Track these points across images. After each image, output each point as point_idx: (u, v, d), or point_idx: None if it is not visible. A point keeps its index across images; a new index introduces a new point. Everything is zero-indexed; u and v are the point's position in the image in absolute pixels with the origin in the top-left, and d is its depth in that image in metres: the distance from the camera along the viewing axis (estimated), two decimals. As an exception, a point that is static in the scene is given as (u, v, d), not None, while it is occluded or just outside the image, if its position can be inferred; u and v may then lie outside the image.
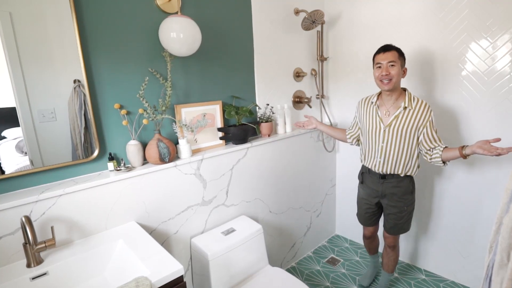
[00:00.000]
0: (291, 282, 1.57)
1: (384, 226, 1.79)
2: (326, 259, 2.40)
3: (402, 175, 1.62)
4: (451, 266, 2.07)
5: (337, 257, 2.42)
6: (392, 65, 1.49)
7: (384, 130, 1.59)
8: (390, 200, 1.68)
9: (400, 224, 1.70)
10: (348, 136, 1.87)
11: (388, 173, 1.64)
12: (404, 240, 2.29)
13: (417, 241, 2.22)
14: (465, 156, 1.42)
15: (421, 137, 1.56)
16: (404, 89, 1.60)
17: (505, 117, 1.70)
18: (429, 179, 2.07)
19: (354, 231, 2.60)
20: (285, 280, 1.59)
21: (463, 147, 1.43)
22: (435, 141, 1.55)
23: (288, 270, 2.27)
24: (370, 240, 1.99)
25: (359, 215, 1.92)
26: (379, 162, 1.65)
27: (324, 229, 2.63)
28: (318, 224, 2.55)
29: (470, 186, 1.89)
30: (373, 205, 1.79)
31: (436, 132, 1.55)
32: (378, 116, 1.62)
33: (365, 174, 1.79)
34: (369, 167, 1.72)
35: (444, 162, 1.53)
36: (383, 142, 1.61)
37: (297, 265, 2.35)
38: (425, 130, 1.53)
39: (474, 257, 1.95)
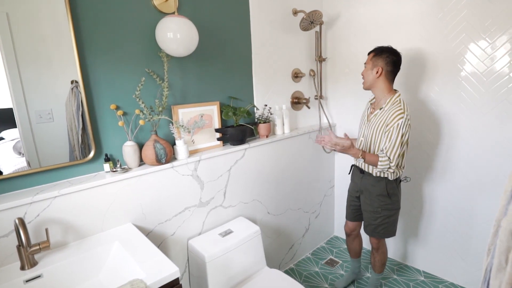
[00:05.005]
0: (289, 283, 1.56)
1: (363, 226, 1.84)
2: (325, 261, 2.39)
3: (374, 174, 1.67)
4: (450, 268, 2.07)
5: (335, 259, 2.41)
6: (365, 67, 1.66)
7: (366, 125, 1.72)
8: (366, 198, 1.74)
9: (374, 225, 1.72)
10: None
11: (364, 169, 1.72)
12: (402, 241, 2.28)
13: (416, 242, 2.21)
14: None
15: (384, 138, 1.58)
16: (395, 91, 1.63)
17: (504, 118, 1.69)
18: (427, 181, 2.06)
19: (353, 232, 2.58)
20: (283, 281, 1.59)
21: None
22: (388, 145, 1.54)
23: (286, 272, 2.26)
24: (351, 239, 2.00)
25: (346, 208, 1.97)
26: None
27: (322, 230, 2.62)
28: (317, 225, 2.54)
29: (469, 187, 1.88)
30: (355, 198, 1.84)
31: (394, 140, 1.51)
32: (367, 112, 1.76)
33: (353, 166, 1.89)
34: (354, 160, 1.83)
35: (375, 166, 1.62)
36: (362, 136, 1.75)
37: (295, 266, 2.33)
38: (387, 133, 1.54)
39: (473, 258, 1.94)
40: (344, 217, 2.58)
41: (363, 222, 1.84)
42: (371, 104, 1.76)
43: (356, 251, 2.03)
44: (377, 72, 1.60)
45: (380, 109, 1.63)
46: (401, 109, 1.54)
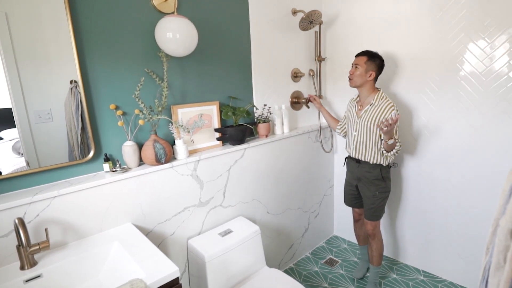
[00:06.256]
0: (288, 283, 1.56)
1: (363, 212, 1.98)
2: (324, 260, 2.40)
3: (371, 162, 1.85)
4: (449, 267, 2.07)
5: (335, 258, 2.42)
6: (356, 67, 1.79)
7: (357, 122, 1.87)
8: (364, 183, 1.91)
9: (373, 208, 1.89)
10: (338, 127, 2.14)
11: (361, 159, 1.89)
12: (402, 241, 2.29)
13: (415, 242, 2.21)
14: (386, 141, 1.69)
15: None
16: (378, 89, 1.84)
17: (503, 118, 1.69)
18: (425, 180, 2.07)
19: (352, 231, 2.58)
20: (283, 281, 1.59)
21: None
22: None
23: (286, 272, 2.26)
24: (359, 224, 2.14)
25: (345, 199, 2.12)
26: (353, 148, 1.92)
27: (322, 230, 2.62)
28: (316, 225, 2.54)
29: (468, 186, 1.89)
30: (354, 187, 2.00)
31: (395, 128, 1.72)
32: (355, 109, 1.90)
33: (347, 159, 2.05)
34: (348, 153, 1.99)
35: (387, 152, 1.76)
36: (355, 131, 1.89)
37: (295, 266, 2.34)
38: None
39: (472, 258, 1.95)
40: (343, 217, 2.61)
41: (363, 209, 1.98)
42: (356, 102, 1.92)
43: (365, 237, 2.15)
44: (370, 75, 1.78)
45: (370, 105, 1.80)
46: (390, 102, 1.77)
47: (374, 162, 1.83)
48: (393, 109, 1.74)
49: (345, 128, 2.10)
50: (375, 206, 1.87)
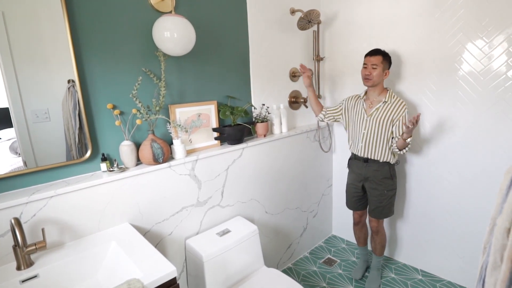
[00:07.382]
0: (286, 283, 1.56)
1: (368, 210, 1.99)
2: (323, 260, 2.40)
3: (381, 160, 1.86)
4: (447, 266, 2.07)
5: (333, 258, 2.42)
6: (374, 68, 1.77)
7: (366, 119, 1.86)
8: (372, 183, 1.91)
9: (381, 207, 1.91)
10: (324, 112, 2.06)
11: (369, 157, 1.88)
12: (400, 241, 2.29)
13: (414, 241, 2.21)
14: (404, 139, 1.69)
15: (393, 128, 1.80)
16: (387, 88, 1.85)
17: (501, 117, 1.69)
18: (423, 180, 2.07)
19: (350, 231, 2.58)
20: (281, 281, 1.59)
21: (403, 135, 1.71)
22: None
23: (284, 271, 2.26)
24: (359, 227, 2.14)
25: (347, 201, 2.10)
26: (361, 146, 1.90)
27: (320, 229, 2.62)
28: (315, 224, 2.54)
29: (466, 186, 1.89)
30: (360, 189, 1.99)
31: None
32: (364, 107, 1.89)
33: (351, 160, 2.03)
34: (354, 152, 1.97)
35: (399, 149, 1.78)
36: (364, 129, 1.87)
37: (293, 266, 2.34)
38: (398, 122, 1.78)
39: (471, 257, 1.95)
40: (342, 216, 2.61)
41: (368, 207, 2.00)
42: (364, 100, 1.90)
43: (365, 239, 2.18)
44: (385, 74, 1.81)
45: (383, 102, 1.81)
46: (402, 101, 1.80)
47: (383, 160, 1.85)
48: (406, 107, 1.78)
49: (335, 114, 2.02)
50: (383, 205, 1.89)
